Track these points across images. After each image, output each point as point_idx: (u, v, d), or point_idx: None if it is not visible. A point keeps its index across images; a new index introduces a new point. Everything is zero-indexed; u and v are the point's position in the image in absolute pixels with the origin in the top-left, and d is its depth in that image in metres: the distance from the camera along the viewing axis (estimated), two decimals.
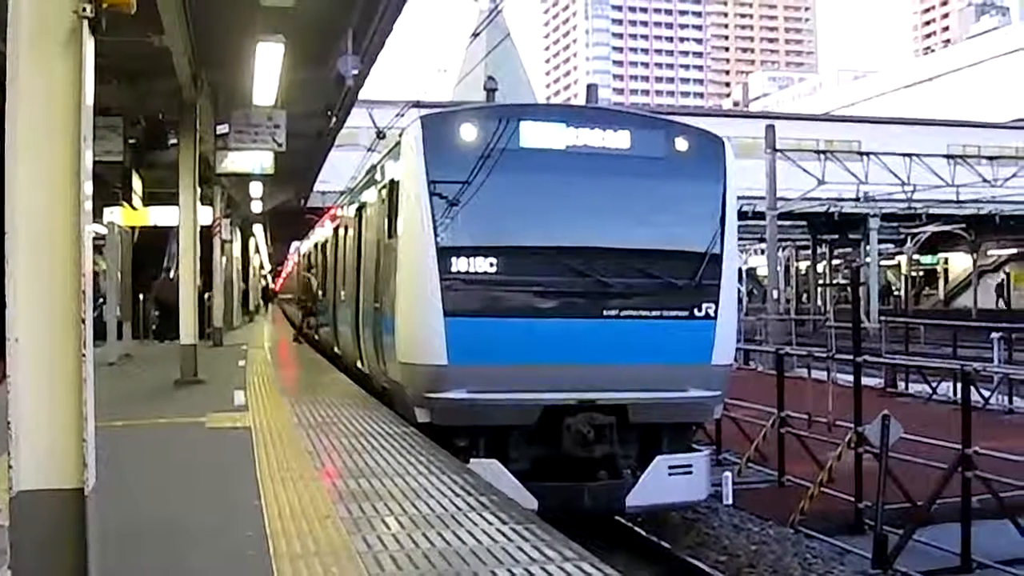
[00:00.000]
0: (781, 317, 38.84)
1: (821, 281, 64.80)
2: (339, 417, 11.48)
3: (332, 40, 15.43)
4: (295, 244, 47.87)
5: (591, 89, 15.49)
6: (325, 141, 26.41)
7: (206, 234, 23.26)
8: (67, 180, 4.19)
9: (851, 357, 14.64)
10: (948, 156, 45.13)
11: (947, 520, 11.81)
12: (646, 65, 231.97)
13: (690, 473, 11.33)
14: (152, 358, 21.53)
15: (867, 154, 42.47)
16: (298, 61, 15.29)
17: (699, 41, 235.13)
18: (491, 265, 10.78)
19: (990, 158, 46.12)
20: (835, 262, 66.14)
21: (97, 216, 21.01)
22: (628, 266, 11.26)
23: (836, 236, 57.82)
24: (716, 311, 11.34)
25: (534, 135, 11.25)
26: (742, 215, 15.91)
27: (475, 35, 23.84)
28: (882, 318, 38.76)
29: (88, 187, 4.26)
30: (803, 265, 72.70)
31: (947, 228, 57.84)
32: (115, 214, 22.49)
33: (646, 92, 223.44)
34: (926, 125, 63.82)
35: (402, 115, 21.33)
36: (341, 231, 18.93)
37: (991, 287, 65.42)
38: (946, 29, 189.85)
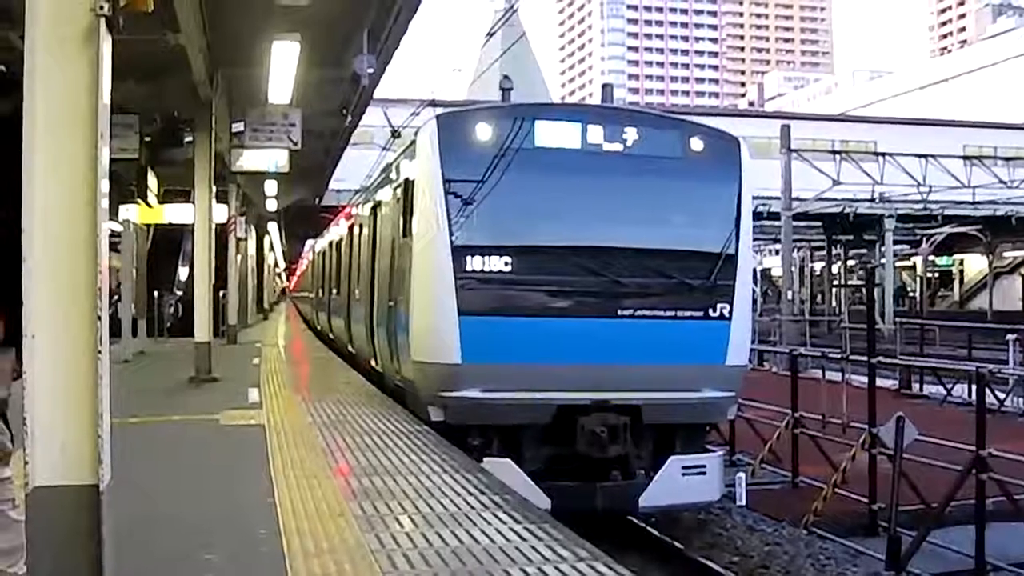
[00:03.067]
0: (795, 318, 38.74)
1: (836, 282, 64.58)
2: (352, 415, 11.51)
3: (348, 39, 15.45)
4: (310, 242, 47.97)
5: (606, 89, 15.47)
6: (340, 140, 26.45)
7: (221, 232, 23.34)
8: (84, 178, 4.20)
9: (865, 358, 14.61)
10: (964, 157, 44.92)
11: (961, 522, 11.77)
12: (661, 65, 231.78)
13: (703, 474, 11.32)
14: (167, 355, 21.61)
15: (883, 155, 42.31)
16: (313, 60, 15.32)
17: (714, 41, 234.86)
18: (505, 264, 10.79)
19: (1007, 159, 45.89)
20: (850, 263, 65.89)
21: (113, 214, 21.09)
22: (642, 266, 11.26)
23: (851, 237, 57.56)
24: (731, 311, 11.32)
25: (549, 134, 11.25)
26: (757, 215, 15.89)
27: (490, 35, 23.85)
28: (897, 319, 38.63)
29: (105, 185, 4.27)
30: (818, 266, 72.47)
31: (963, 229, 57.57)
32: (131, 212, 22.58)
33: (661, 92, 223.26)
34: (942, 126, 63.58)
35: (417, 114, 21.36)
36: (356, 230, 18.97)
37: (1005, 288, 65.11)
38: (963, 30, 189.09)
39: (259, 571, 5.51)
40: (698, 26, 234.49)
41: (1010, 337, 25.24)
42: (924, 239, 61.34)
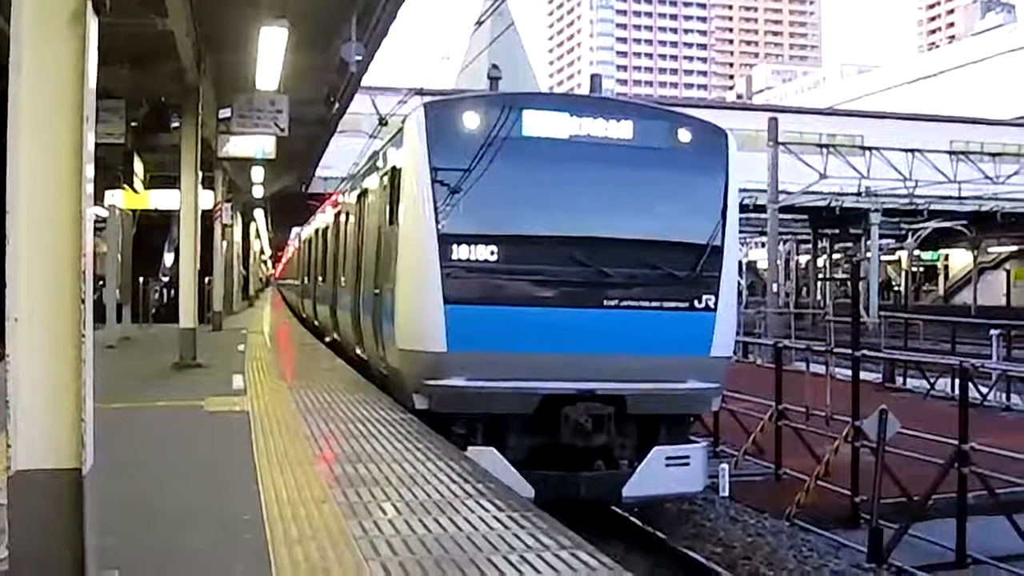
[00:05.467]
0: (780, 311, 38.92)
1: (821, 275, 64.79)
2: (337, 403, 11.49)
3: (336, 26, 15.41)
4: (296, 230, 47.88)
5: (595, 79, 15.39)
6: (327, 127, 26.40)
7: (207, 218, 23.28)
8: (69, 162, 4.18)
9: (850, 351, 14.66)
10: (951, 152, 45.12)
11: (943, 515, 11.81)
12: (650, 56, 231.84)
13: (687, 465, 11.34)
14: (152, 341, 21.57)
15: (869, 149, 42.49)
16: (301, 46, 15.27)
17: (703, 33, 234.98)
18: (492, 253, 10.78)
19: (992, 155, 46.10)
20: (835, 256, 66.14)
21: (99, 199, 21.01)
22: (629, 256, 11.27)
23: (837, 230, 57.86)
24: (716, 303, 11.33)
25: (537, 124, 11.23)
26: (743, 208, 15.95)
27: (479, 23, 23.76)
28: (881, 313, 38.87)
29: (90, 169, 4.26)
30: (803, 259, 72.68)
31: (948, 224, 57.83)
32: (116, 197, 22.49)
33: (650, 83, 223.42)
34: (929, 121, 63.70)
35: (405, 102, 21.28)
36: (342, 217, 18.93)
37: (989, 283, 65.43)
38: (951, 25, 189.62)
39: (242, 557, 5.50)
40: (687, 18, 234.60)
41: (993, 332, 25.44)
42: (910, 233, 61.61)
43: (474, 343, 10.59)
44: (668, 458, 11.17)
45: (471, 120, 11.00)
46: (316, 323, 24.83)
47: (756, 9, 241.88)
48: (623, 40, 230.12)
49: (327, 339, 21.06)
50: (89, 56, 4.20)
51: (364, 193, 15.37)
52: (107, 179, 21.21)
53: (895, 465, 12.52)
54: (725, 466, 13.90)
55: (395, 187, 11.88)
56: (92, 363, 4.26)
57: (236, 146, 21.89)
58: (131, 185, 22.21)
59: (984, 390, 20.91)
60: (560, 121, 11.31)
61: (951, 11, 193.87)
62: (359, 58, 15.98)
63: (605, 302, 11.02)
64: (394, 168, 12.11)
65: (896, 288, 74.81)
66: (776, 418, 15.23)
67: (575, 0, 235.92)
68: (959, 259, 71.02)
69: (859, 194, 47.44)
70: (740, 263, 39.16)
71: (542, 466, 10.69)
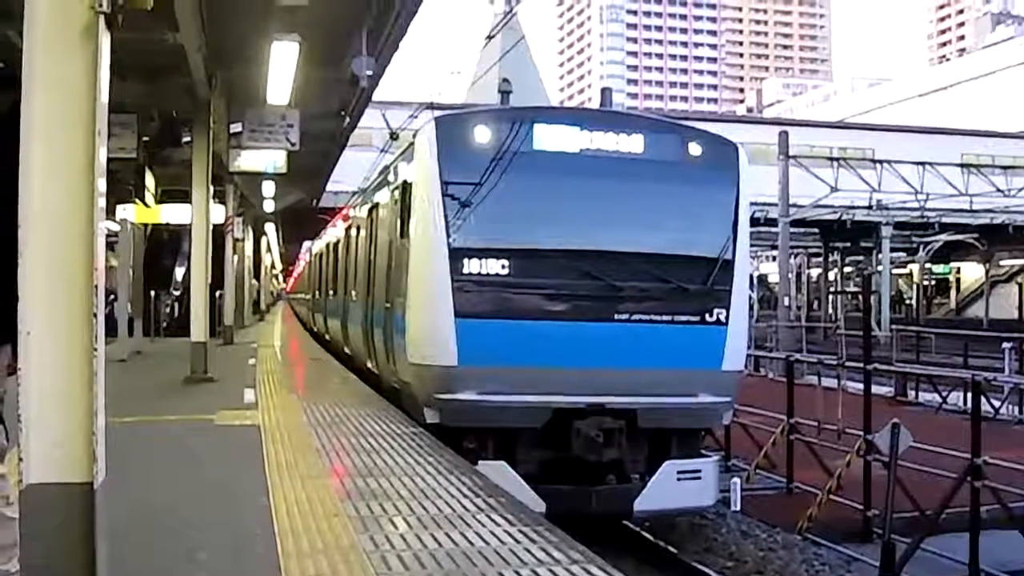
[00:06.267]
0: (792, 324, 38.79)
1: (832, 289, 64.66)
2: (348, 416, 11.49)
3: (347, 40, 15.45)
4: (307, 244, 47.93)
5: (605, 93, 15.41)
6: (338, 141, 26.43)
7: (218, 232, 23.32)
8: (81, 176, 4.18)
9: (861, 365, 14.62)
10: (962, 165, 45.07)
11: (956, 530, 11.74)
12: (660, 70, 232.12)
13: (699, 479, 11.32)
14: (163, 355, 21.56)
15: (880, 162, 42.44)
16: (313, 61, 15.31)
17: (713, 47, 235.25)
18: (503, 267, 10.79)
19: (1004, 168, 46.02)
20: (847, 270, 65.99)
21: (110, 213, 21.08)
22: (640, 270, 11.24)
23: (848, 244, 57.72)
24: (727, 317, 11.32)
25: (548, 138, 11.24)
26: (754, 221, 15.93)
27: (489, 37, 23.91)
28: (893, 326, 38.73)
29: (102, 183, 4.26)
30: (814, 272, 72.57)
31: (960, 237, 57.70)
32: (128, 211, 22.55)
33: (660, 97, 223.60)
34: (940, 134, 63.58)
35: (415, 117, 21.36)
36: (353, 231, 18.97)
37: (1002, 297, 65.23)
38: (962, 38, 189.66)
39: (253, 571, 5.49)
40: (697, 32, 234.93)
41: (1006, 345, 25.32)
42: (921, 247, 61.45)
43: (485, 357, 10.58)
44: (680, 472, 11.14)
45: (482, 134, 11.02)
46: (327, 337, 24.85)
47: (766, 23, 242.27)
48: (633, 54, 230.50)
49: (338, 353, 21.06)
50: (101, 70, 4.20)
51: (375, 207, 15.39)
52: (119, 193, 21.27)
53: (907, 479, 12.47)
54: (737, 480, 13.86)
55: (406, 201, 11.90)
56: (104, 377, 4.26)
57: (247, 160, 21.91)
58: (143, 199, 22.30)
59: (996, 403, 20.83)
60: (570, 135, 11.32)
61: (961, 24, 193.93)
62: (370, 72, 15.99)
63: (616, 316, 11.00)
64: (405, 182, 12.13)
65: (908, 301, 74.63)
66: (788, 432, 15.18)
67: (585, 14, 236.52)
68: (971, 272, 70.88)
69: (870, 207, 47.39)
70: (751, 277, 39.09)
71: (553, 480, 10.67)
